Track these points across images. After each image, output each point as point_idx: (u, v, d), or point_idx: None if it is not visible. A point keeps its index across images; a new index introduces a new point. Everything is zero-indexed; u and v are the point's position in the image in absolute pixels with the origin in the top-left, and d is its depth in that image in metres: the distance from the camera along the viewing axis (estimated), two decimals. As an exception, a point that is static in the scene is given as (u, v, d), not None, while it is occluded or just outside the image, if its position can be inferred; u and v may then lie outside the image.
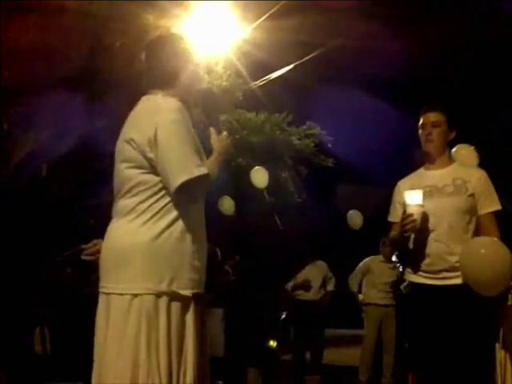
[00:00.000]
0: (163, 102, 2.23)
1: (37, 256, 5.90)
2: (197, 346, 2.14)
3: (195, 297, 2.19)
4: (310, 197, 13.55)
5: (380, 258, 7.36)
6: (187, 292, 2.15)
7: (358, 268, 7.57)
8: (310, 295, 7.70)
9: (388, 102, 12.78)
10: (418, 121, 3.35)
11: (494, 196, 3.24)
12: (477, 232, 3.18)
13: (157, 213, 2.16)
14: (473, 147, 4.86)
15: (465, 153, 4.81)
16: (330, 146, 12.93)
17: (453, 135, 3.34)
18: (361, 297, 7.55)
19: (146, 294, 2.09)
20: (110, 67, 6.22)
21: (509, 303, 4.29)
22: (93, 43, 6.24)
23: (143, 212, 2.16)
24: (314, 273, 7.83)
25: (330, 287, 7.87)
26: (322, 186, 14.96)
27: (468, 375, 3.04)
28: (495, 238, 3.11)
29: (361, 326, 7.69)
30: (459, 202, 3.16)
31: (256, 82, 9.74)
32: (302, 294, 7.72)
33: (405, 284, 3.34)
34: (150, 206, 2.16)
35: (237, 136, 11.14)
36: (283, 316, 8.47)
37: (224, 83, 9.46)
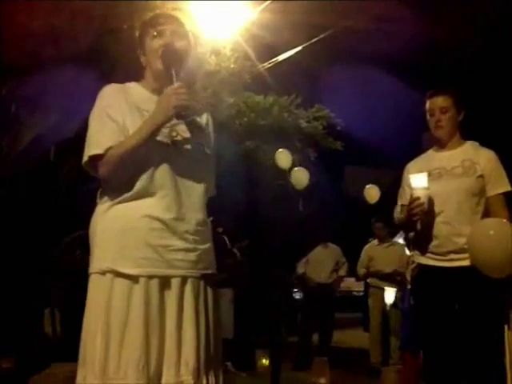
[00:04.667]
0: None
1: (47, 238, 5.94)
2: (145, 331, 1.98)
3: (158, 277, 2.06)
4: (319, 180, 13.52)
5: (375, 242, 7.32)
6: (133, 271, 2.04)
7: (361, 258, 7.51)
8: (322, 279, 7.73)
9: (398, 84, 12.67)
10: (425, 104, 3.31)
11: (504, 177, 3.21)
12: (486, 213, 3.16)
13: (104, 194, 2.18)
14: None
15: None
16: (339, 128, 12.82)
17: (462, 116, 3.30)
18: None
19: (93, 272, 2.10)
20: (118, 49, 6.19)
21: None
22: (100, 24, 6.20)
23: (99, 195, 2.21)
24: (326, 256, 7.86)
25: (342, 272, 7.92)
26: (331, 168, 14.92)
27: (477, 357, 3.05)
28: (504, 220, 3.09)
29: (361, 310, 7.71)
30: (468, 184, 3.14)
31: (264, 65, 9.67)
32: (314, 278, 7.76)
33: (413, 266, 3.34)
34: (100, 187, 2.21)
35: (245, 119, 11.09)
36: (299, 297, 8.52)
37: (232, 66, 9.39)
